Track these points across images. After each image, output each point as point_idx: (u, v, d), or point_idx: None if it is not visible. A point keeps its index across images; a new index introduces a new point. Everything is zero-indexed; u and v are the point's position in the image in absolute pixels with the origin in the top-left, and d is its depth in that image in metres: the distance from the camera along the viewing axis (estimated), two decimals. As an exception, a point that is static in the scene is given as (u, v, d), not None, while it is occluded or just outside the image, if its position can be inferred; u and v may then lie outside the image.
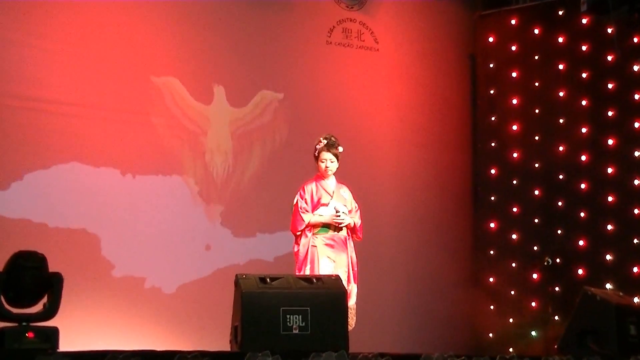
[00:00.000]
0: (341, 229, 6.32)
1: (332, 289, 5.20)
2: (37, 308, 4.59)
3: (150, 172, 7.62)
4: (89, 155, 6.71)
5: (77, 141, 6.81)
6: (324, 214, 6.28)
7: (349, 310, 6.07)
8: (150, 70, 7.91)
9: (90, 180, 6.50)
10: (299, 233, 6.28)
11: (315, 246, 6.27)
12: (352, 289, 6.30)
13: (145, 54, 7.85)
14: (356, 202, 6.50)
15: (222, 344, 5.02)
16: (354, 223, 6.38)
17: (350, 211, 6.40)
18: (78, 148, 6.67)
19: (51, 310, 4.52)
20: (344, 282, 6.02)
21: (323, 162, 6.35)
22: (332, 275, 5.51)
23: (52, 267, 4.63)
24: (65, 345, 4.29)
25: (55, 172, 6.32)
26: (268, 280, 5.11)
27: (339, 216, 6.26)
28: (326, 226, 6.32)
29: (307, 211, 6.27)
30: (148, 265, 6.65)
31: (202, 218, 7.46)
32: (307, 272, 6.13)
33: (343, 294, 5.21)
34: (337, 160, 6.37)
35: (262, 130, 8.43)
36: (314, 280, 5.28)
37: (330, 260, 6.26)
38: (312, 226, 6.28)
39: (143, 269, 6.66)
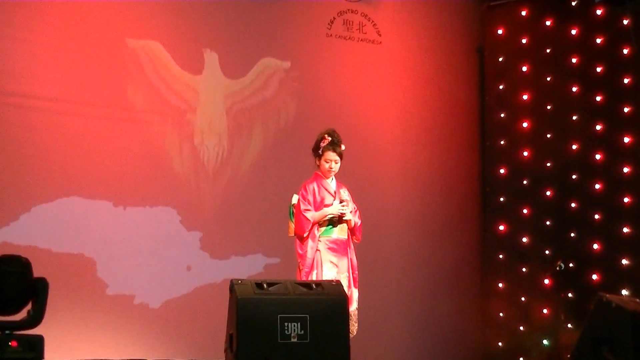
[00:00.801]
0: (344, 222, 6.31)
1: (332, 295, 5.21)
2: (21, 315, 4.58)
3: (137, 187, 7.59)
4: (85, 188, 7.35)
5: (74, 173, 7.34)
6: (327, 210, 6.28)
7: (350, 316, 6.08)
8: (126, 31, 7.61)
9: (87, 211, 7.27)
10: (305, 235, 6.26)
11: (319, 250, 6.28)
12: (353, 294, 6.30)
13: (119, 10, 7.51)
14: (354, 204, 6.51)
15: (203, 353, 5.11)
16: (354, 222, 6.38)
17: (352, 212, 6.41)
18: (77, 183, 7.33)
19: (36, 318, 4.51)
20: (345, 287, 6.04)
21: (328, 162, 6.34)
22: (332, 281, 5.51)
23: (55, 287, 5.86)
24: (53, 355, 4.32)
25: (58, 205, 7.18)
26: (265, 285, 5.12)
27: (345, 206, 6.26)
28: (330, 225, 6.32)
29: (309, 210, 6.26)
30: (137, 284, 7.42)
31: (184, 243, 7.80)
32: (313, 277, 6.12)
33: (344, 300, 5.22)
34: (341, 160, 6.37)
35: (264, 106, 8.24)
36: (314, 286, 5.29)
37: (333, 265, 6.26)
38: (317, 224, 6.27)
39: (133, 287, 7.42)
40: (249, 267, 7.92)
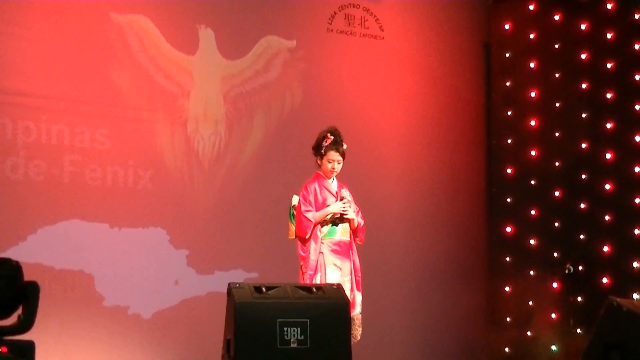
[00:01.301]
0: (347, 221, 6.30)
1: (333, 298, 5.19)
2: (11, 320, 4.57)
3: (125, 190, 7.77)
4: (83, 210, 7.71)
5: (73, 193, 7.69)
6: (328, 209, 6.27)
7: (353, 320, 6.09)
8: (110, 5, 7.52)
9: (86, 231, 7.69)
10: (307, 236, 6.25)
11: (322, 253, 6.27)
12: (356, 298, 6.29)
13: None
14: (356, 205, 6.50)
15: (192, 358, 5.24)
16: (357, 222, 6.38)
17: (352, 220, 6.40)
18: (78, 206, 7.69)
19: (27, 323, 4.50)
20: (347, 291, 6.04)
21: (331, 162, 6.32)
22: (333, 284, 5.49)
23: (56, 300, 6.15)
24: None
25: (61, 227, 7.59)
26: (263, 289, 5.10)
27: (346, 204, 6.26)
28: (333, 226, 6.31)
29: (310, 211, 6.25)
30: (131, 296, 7.83)
31: (173, 260, 8.05)
32: (317, 281, 6.11)
33: (345, 305, 5.21)
34: (344, 159, 6.36)
35: (267, 91, 8.20)
36: (314, 290, 5.27)
37: (337, 267, 6.25)
38: (320, 225, 6.26)
39: (127, 300, 7.82)
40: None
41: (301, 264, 6.27)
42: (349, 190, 6.50)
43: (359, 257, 6.43)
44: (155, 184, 7.93)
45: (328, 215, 6.28)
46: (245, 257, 8.21)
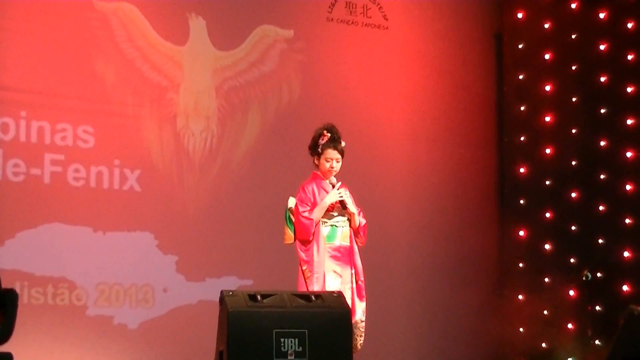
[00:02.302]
0: (348, 219, 6.30)
1: (333, 307, 5.20)
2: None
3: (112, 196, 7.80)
4: (65, 213, 7.72)
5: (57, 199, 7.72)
6: (325, 200, 6.27)
7: (356, 327, 6.11)
8: None
9: (68, 236, 7.70)
10: (311, 238, 6.24)
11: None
12: (358, 304, 6.29)
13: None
14: (357, 206, 6.50)
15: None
16: (359, 222, 6.37)
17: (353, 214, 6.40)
18: (60, 208, 7.71)
19: (4, 333, 4.52)
20: (348, 298, 6.03)
21: (329, 161, 6.33)
22: (333, 292, 5.50)
23: (36, 309, 6.22)
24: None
25: (41, 231, 7.60)
26: (259, 297, 5.10)
27: (341, 189, 6.27)
28: (332, 231, 6.31)
29: (309, 211, 6.25)
30: (116, 305, 7.84)
31: (161, 266, 8.07)
32: (317, 288, 6.11)
33: (347, 314, 5.21)
34: (342, 158, 6.37)
35: (262, 83, 8.23)
36: (313, 298, 5.27)
37: (337, 275, 6.25)
38: (320, 223, 6.27)
39: (112, 309, 7.83)
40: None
41: (304, 268, 6.26)
42: (350, 191, 6.50)
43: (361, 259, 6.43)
44: (142, 185, 7.94)
45: (327, 206, 6.26)
46: (239, 263, 8.21)
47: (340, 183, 6.41)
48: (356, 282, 6.35)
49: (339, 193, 6.28)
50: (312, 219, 6.24)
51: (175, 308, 8.00)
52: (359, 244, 6.45)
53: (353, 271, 6.35)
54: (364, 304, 6.35)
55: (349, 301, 6.04)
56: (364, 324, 6.30)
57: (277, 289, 5.34)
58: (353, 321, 6.08)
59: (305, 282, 6.22)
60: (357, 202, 6.51)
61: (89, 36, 7.70)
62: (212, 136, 8.10)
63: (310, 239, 6.24)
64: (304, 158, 6.62)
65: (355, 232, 6.40)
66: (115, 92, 7.84)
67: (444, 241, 9.12)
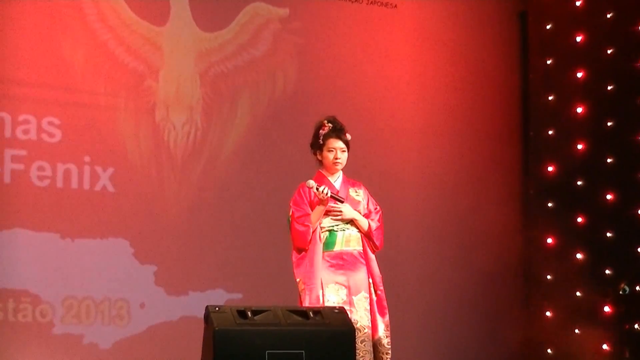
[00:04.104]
0: (353, 225, 6.30)
1: (334, 325, 5.21)
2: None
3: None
4: (28, 217, 7.73)
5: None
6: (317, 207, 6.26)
7: (380, 344, 6.14)
8: None
9: (31, 243, 7.69)
10: (307, 247, 6.23)
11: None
12: (377, 318, 6.27)
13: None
14: (377, 204, 6.47)
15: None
16: (368, 225, 6.36)
17: (369, 214, 6.38)
18: (22, 212, 7.72)
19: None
20: (363, 311, 6.10)
21: (332, 151, 6.32)
22: (334, 308, 5.49)
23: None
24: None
25: (1, 237, 7.61)
26: (249, 313, 5.11)
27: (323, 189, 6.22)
28: (330, 236, 6.30)
29: (304, 216, 6.23)
30: (86, 322, 7.84)
31: (137, 278, 8.08)
32: (310, 303, 6.10)
33: (349, 332, 5.21)
34: (348, 150, 6.36)
35: (253, 69, 8.25)
36: (311, 314, 5.27)
37: (340, 285, 6.23)
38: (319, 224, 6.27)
39: (81, 326, 7.84)
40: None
41: (297, 280, 6.26)
42: (365, 188, 6.48)
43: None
44: (116, 185, 7.95)
45: (320, 210, 6.24)
46: (226, 274, 8.22)
47: (354, 191, 6.40)
48: (375, 292, 6.34)
49: (323, 190, 6.22)
50: (308, 225, 6.22)
51: (153, 325, 8.00)
52: (371, 251, 6.43)
53: (370, 280, 6.33)
54: (387, 318, 6.31)
55: (365, 313, 6.11)
56: (388, 339, 6.27)
57: (270, 304, 5.34)
58: (376, 338, 6.15)
59: (299, 297, 6.22)
60: (376, 201, 6.50)
61: (56, 15, 7.72)
62: (195, 129, 8.13)
63: (307, 248, 6.24)
64: (301, 155, 6.64)
65: (367, 236, 6.38)
66: (85, 79, 7.85)
67: (462, 249, 9.13)
